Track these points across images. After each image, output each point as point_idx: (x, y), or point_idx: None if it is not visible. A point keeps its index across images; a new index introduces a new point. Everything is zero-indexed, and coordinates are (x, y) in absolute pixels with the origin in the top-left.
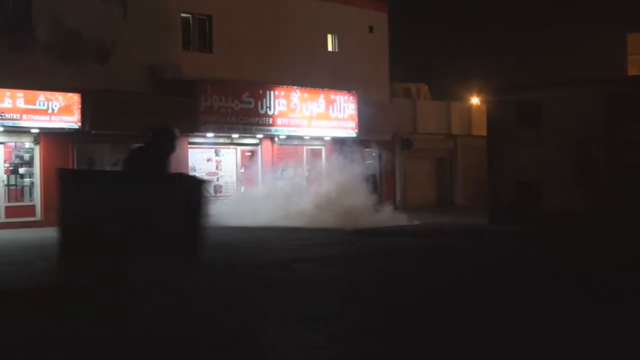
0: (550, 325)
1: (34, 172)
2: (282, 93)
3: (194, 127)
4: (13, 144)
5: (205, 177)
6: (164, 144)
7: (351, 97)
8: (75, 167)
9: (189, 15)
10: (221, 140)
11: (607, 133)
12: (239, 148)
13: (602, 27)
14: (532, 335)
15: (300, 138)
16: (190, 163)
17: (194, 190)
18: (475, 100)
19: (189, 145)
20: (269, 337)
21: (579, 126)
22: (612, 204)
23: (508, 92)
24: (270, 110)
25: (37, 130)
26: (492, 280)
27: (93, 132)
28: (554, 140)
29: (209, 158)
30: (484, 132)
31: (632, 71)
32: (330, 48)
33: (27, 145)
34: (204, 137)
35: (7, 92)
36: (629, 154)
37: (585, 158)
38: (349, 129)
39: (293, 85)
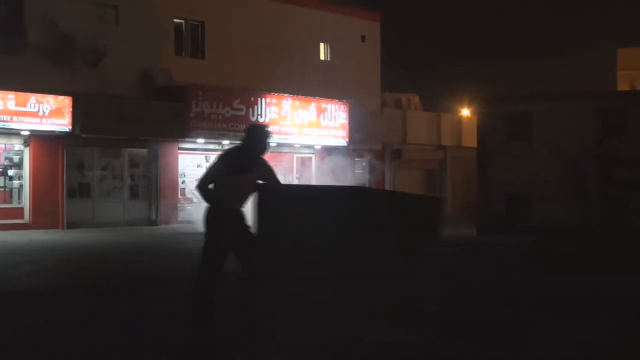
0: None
1: (24, 174)
2: (274, 101)
3: (185, 133)
4: (3, 146)
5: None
6: (257, 143)
7: (342, 106)
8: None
9: (182, 21)
10: (212, 147)
11: (598, 147)
12: None
13: (594, 42)
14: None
15: (291, 146)
16: (180, 169)
17: (436, 209)
18: (465, 112)
19: (179, 151)
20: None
21: (570, 140)
22: (603, 217)
23: (498, 104)
24: (261, 117)
25: (27, 133)
26: (485, 290)
27: (84, 136)
28: (545, 153)
29: (199, 164)
30: (474, 144)
31: (622, 86)
32: (322, 57)
33: (17, 147)
34: (195, 143)
35: None
36: (619, 169)
37: (576, 172)
38: (339, 138)
39: (285, 93)
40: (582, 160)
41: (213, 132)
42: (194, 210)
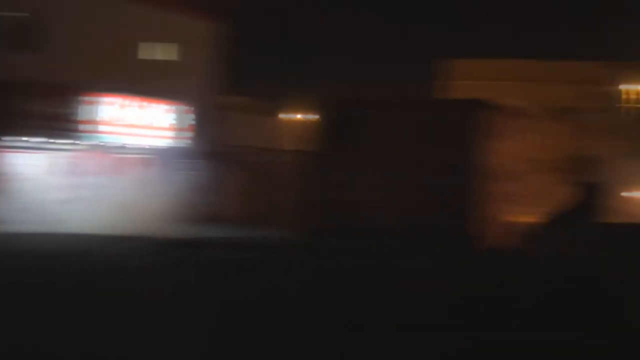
0: None
1: None
2: (109, 100)
3: (10, 130)
4: None
5: None
6: None
7: (178, 107)
8: None
9: (10, 14)
10: (39, 145)
11: (419, 153)
12: (59, 154)
13: (429, 54)
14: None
15: (126, 147)
16: (5, 167)
17: None
18: (302, 115)
19: (3, 149)
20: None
21: (393, 145)
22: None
23: (332, 108)
24: (94, 116)
25: None
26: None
27: None
28: (371, 157)
29: (26, 162)
30: (308, 147)
31: (458, 96)
32: (163, 57)
33: None
34: (20, 140)
35: None
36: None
37: (399, 176)
38: (177, 139)
39: (121, 92)
40: (404, 165)
41: (41, 130)
42: None
